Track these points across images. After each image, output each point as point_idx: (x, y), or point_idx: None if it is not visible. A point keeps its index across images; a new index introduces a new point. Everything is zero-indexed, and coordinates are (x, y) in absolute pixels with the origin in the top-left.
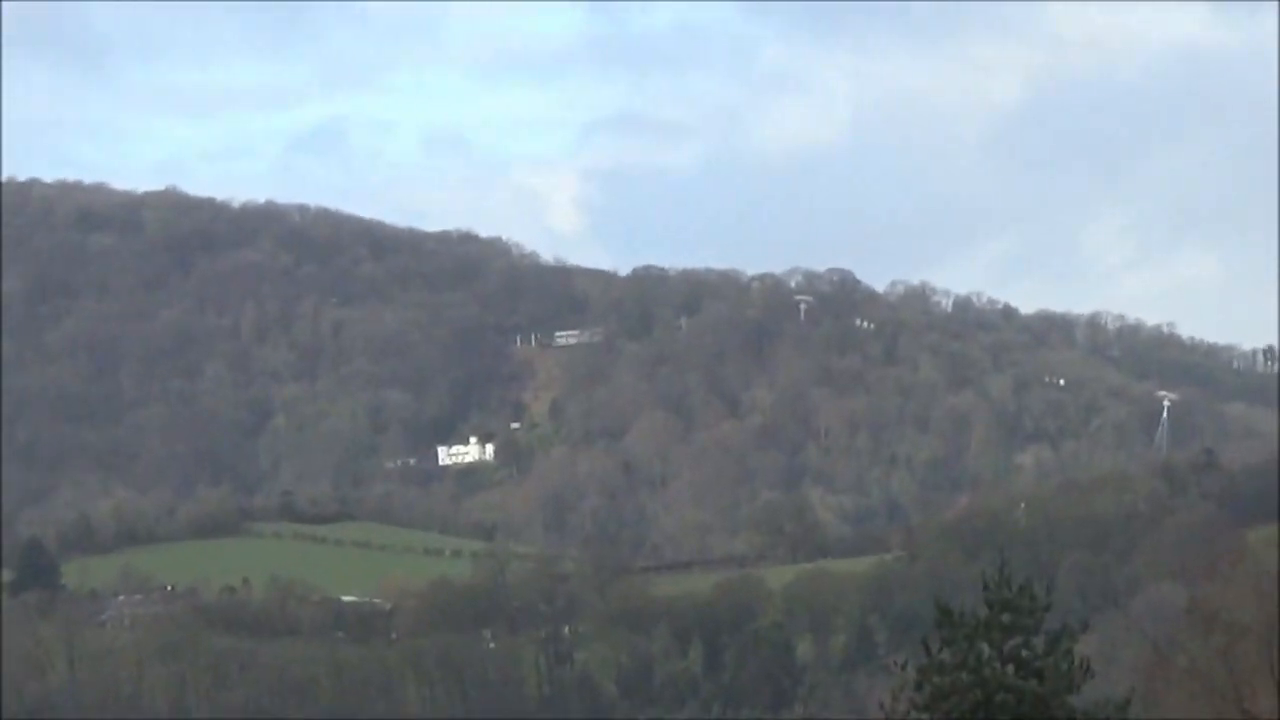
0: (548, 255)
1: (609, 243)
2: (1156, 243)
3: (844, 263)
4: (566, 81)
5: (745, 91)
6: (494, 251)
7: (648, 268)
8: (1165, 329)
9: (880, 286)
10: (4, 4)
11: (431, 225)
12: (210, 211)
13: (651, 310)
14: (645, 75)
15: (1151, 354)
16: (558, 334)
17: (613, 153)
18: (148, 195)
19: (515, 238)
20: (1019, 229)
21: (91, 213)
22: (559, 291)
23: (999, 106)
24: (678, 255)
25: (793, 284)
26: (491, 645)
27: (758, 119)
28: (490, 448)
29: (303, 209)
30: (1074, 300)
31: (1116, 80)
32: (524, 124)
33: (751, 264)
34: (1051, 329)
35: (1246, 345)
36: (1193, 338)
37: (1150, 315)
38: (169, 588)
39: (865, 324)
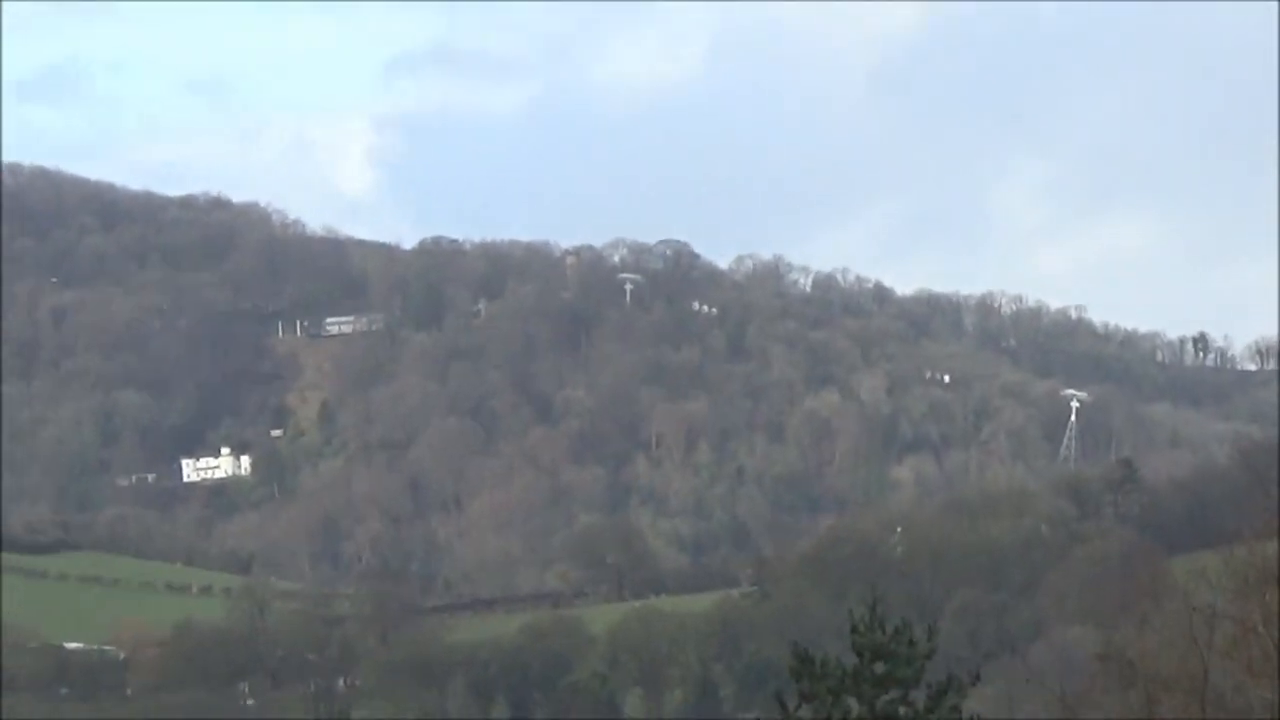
0: (316, 225)
1: (399, 209)
2: (1069, 210)
3: (680, 233)
4: (359, 7)
5: (579, 21)
6: (250, 221)
7: (438, 240)
8: (1074, 313)
9: (724, 262)
10: None
11: (174, 188)
12: None
13: (444, 292)
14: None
15: (1057, 344)
16: (328, 321)
17: (414, 96)
18: None
19: (279, 204)
20: (901, 192)
21: None
22: (330, 269)
23: (887, 38)
24: (479, 225)
25: (617, 259)
26: (249, 702)
27: (593, 54)
28: (246, 461)
29: (14, 169)
30: (963, 280)
31: (1032, 10)
32: (302, 61)
33: (567, 235)
34: (934, 315)
35: (1172, 333)
36: (1107, 324)
37: (1055, 297)
38: None
39: (705, 308)
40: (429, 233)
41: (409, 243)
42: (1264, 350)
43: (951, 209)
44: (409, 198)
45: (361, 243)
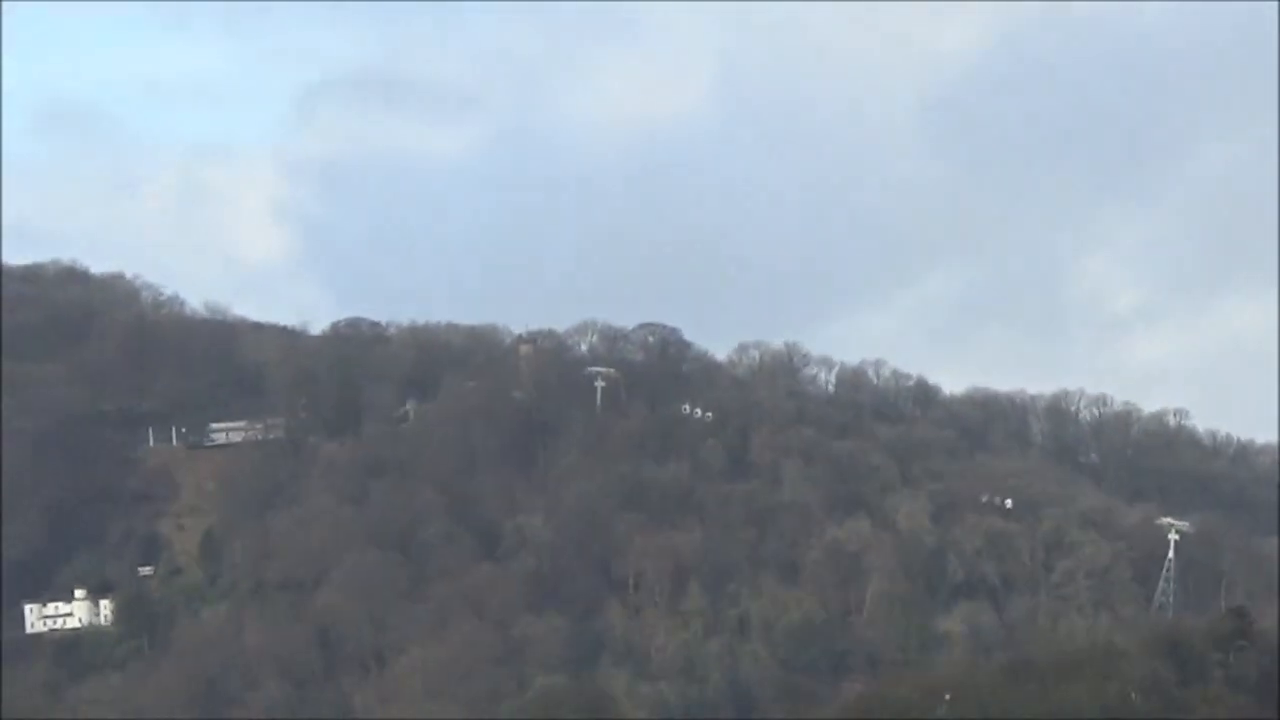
0: (198, 303)
1: (307, 283)
2: (1171, 288)
3: (666, 316)
4: (267, 18)
5: (550, 42)
6: (114, 297)
7: (357, 323)
8: (1173, 420)
9: (722, 353)
10: None
11: (15, 254)
12: None
13: (363, 390)
14: (398, 14)
15: (1151, 460)
16: (214, 428)
17: (334, 135)
18: None
19: (151, 276)
20: (952, 265)
21: None
22: (217, 360)
23: (939, 62)
24: (409, 304)
25: (585, 349)
26: None
27: (566, 84)
28: (106, 606)
29: None
30: (1030, 378)
31: (1130, 19)
32: (189, 89)
33: (522, 318)
34: (993, 421)
35: None
36: (1216, 434)
37: (1150, 400)
38: None
39: (699, 412)
40: (345, 313)
41: (319, 326)
42: None
43: (1018, 286)
44: (321, 268)
45: (258, 326)
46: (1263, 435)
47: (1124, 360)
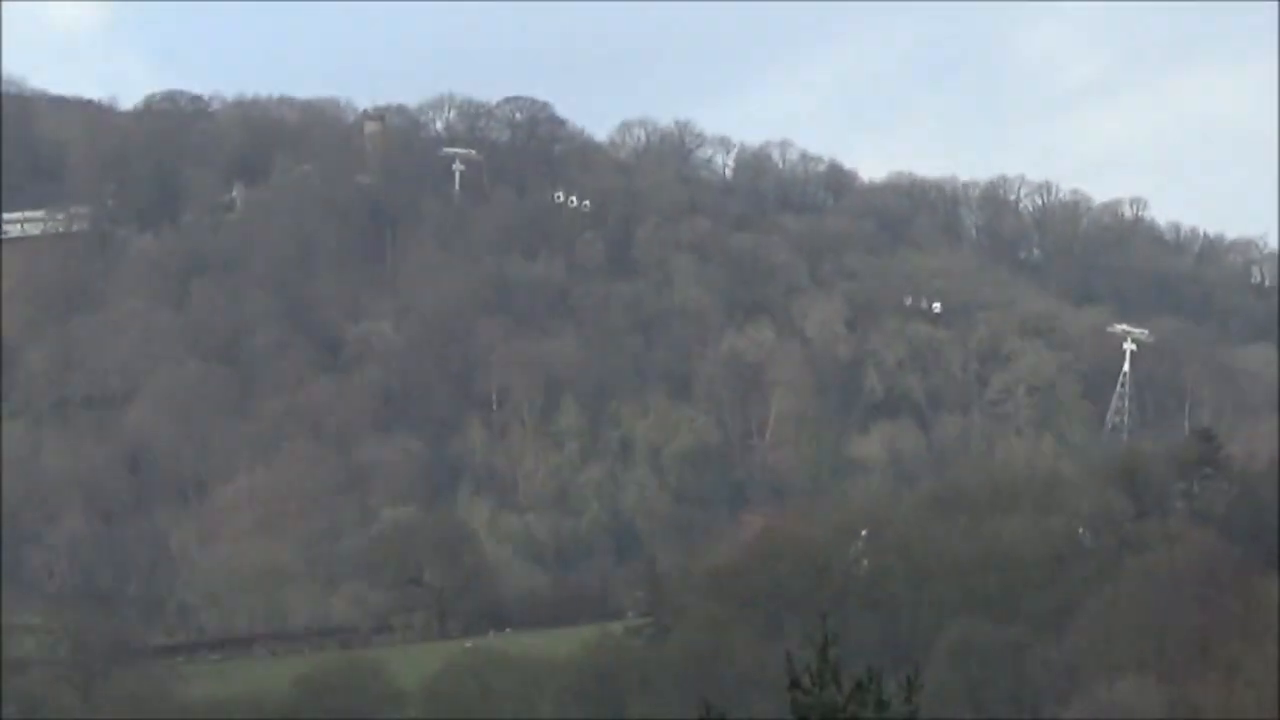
0: None
1: (116, 49)
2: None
3: (535, 88)
4: None
5: None
6: None
7: (174, 96)
8: (1129, 211)
9: (602, 132)
10: None
11: None
12: None
13: (181, 174)
14: None
15: (1103, 258)
16: (6, 218)
17: None
18: None
19: None
20: (873, 29)
21: None
22: (11, 140)
23: None
24: (236, 75)
25: (440, 126)
26: None
27: None
28: None
29: None
30: (963, 161)
31: None
32: None
33: (367, 91)
34: (919, 211)
35: (1276, 242)
36: (1179, 227)
37: (1102, 187)
38: None
39: (574, 200)
40: (161, 85)
41: (130, 100)
42: None
43: (950, 53)
44: (132, 32)
45: (59, 100)
46: (1232, 229)
47: (1074, 142)
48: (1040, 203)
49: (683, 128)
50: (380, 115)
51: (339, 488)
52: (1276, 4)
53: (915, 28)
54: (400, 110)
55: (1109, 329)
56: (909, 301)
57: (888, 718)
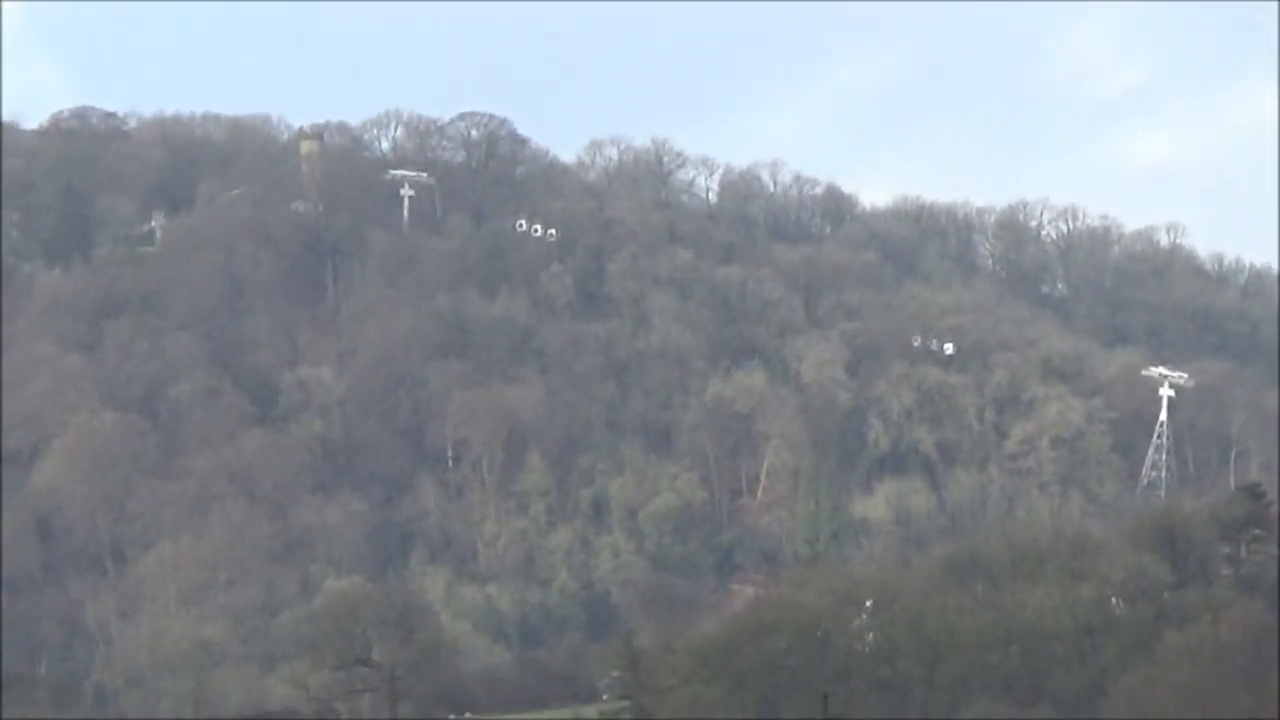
0: None
1: (26, 62)
2: (1169, 68)
3: (494, 103)
4: None
5: None
6: None
7: (85, 114)
8: (1165, 238)
9: (569, 152)
10: None
11: None
12: None
13: (95, 201)
14: None
15: (1137, 292)
16: None
17: None
18: None
19: None
20: (876, 35)
21: None
22: None
23: None
24: (157, 90)
25: (386, 145)
26: None
27: None
28: None
29: None
30: (978, 184)
31: None
32: None
33: (303, 107)
34: (928, 241)
35: None
36: (1221, 258)
37: (1135, 212)
38: None
39: (538, 229)
40: (74, 101)
41: (36, 119)
42: None
43: (963, 66)
44: (45, 42)
45: None
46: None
47: (1102, 163)
48: (1065, 230)
49: (660, 146)
50: (318, 133)
51: (275, 555)
52: None
53: (923, 38)
54: (341, 128)
55: (1143, 372)
56: (917, 342)
57: None
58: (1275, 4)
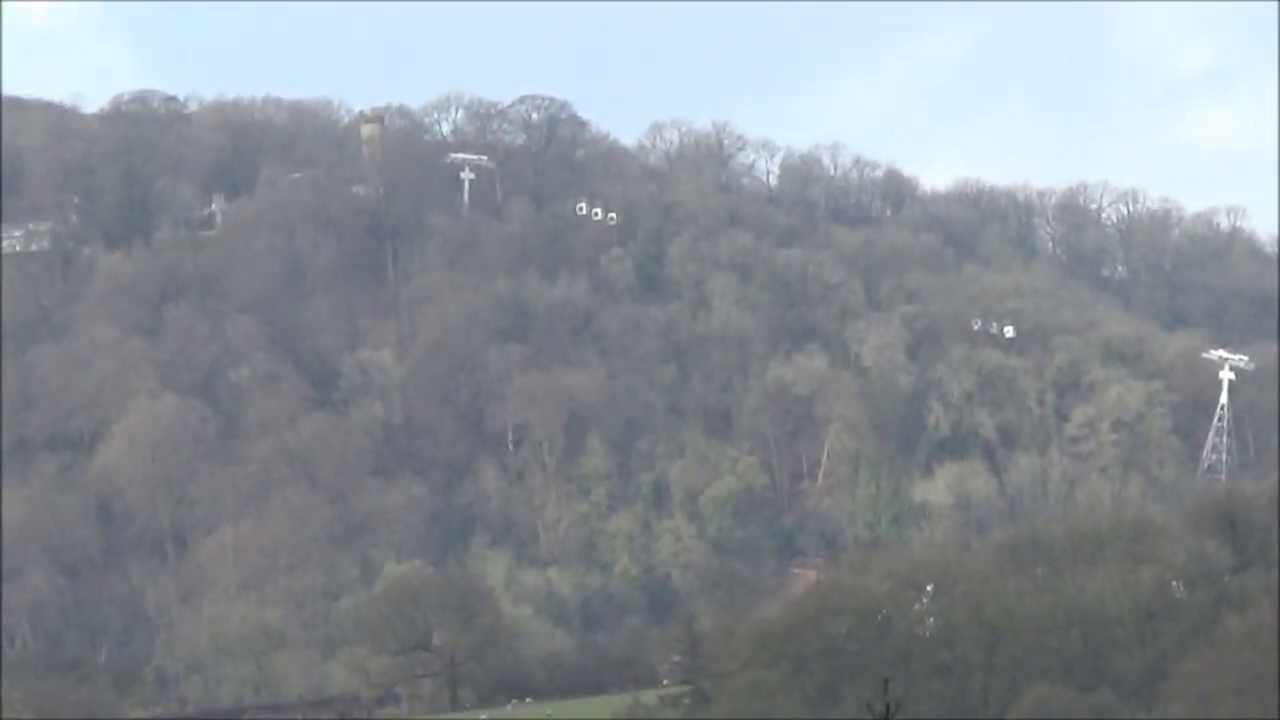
0: None
1: (84, 46)
2: (1243, 46)
3: (554, 86)
4: None
5: None
6: None
7: (146, 97)
8: (1225, 221)
9: (630, 135)
10: None
11: None
12: None
13: (155, 185)
14: None
15: (1198, 275)
16: None
17: None
18: None
19: None
20: (937, 17)
21: None
22: None
23: None
24: (216, 73)
25: (447, 128)
26: None
27: None
28: None
29: None
30: (1037, 166)
31: None
32: None
33: (364, 90)
34: (988, 224)
35: None
36: None
37: (1195, 194)
38: None
39: (599, 212)
40: (133, 85)
41: (97, 102)
42: None
43: (1023, 48)
44: (104, 25)
45: (18, 103)
46: None
47: (1162, 144)
48: (1125, 213)
49: (721, 129)
50: (379, 117)
51: (336, 540)
52: None
53: (987, 19)
54: (401, 111)
55: (1204, 355)
56: (977, 325)
57: None
58: None
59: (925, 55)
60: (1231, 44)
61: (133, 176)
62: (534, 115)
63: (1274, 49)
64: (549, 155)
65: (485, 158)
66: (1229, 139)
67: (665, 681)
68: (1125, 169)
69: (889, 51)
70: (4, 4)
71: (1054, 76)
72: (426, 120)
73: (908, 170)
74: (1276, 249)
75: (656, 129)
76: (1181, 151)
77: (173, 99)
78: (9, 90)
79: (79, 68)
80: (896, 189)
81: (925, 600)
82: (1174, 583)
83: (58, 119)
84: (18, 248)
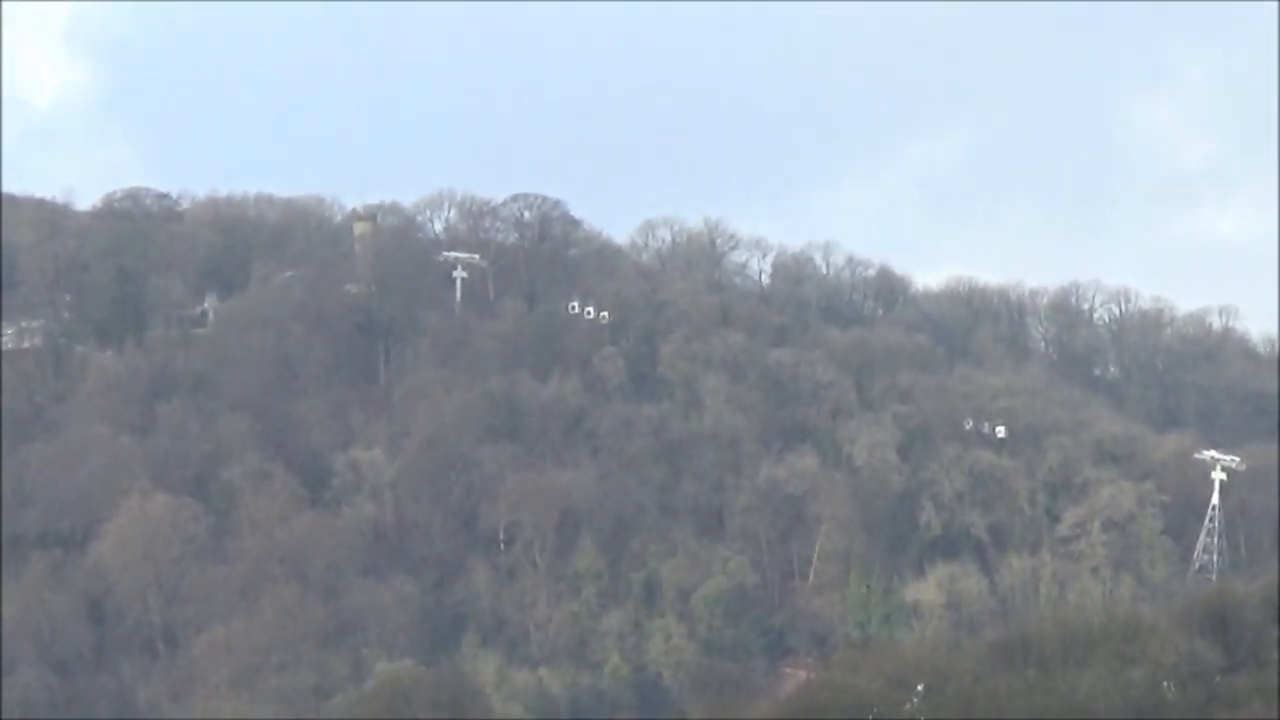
0: None
1: (75, 141)
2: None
3: (547, 185)
4: None
5: None
6: None
7: (138, 195)
8: (1217, 321)
9: (622, 234)
10: None
11: None
12: None
13: (147, 282)
14: None
15: (1188, 374)
16: None
17: None
18: None
19: None
20: (932, 119)
21: None
22: None
23: None
24: (207, 170)
25: (439, 227)
26: None
27: None
28: None
29: None
30: (1031, 265)
31: None
32: None
33: (356, 188)
34: (980, 323)
35: None
36: (1273, 339)
37: (1187, 293)
38: None
39: (590, 311)
40: (123, 182)
41: (88, 199)
42: None
43: (1026, 145)
44: (95, 121)
45: (9, 200)
46: None
47: (1154, 243)
48: (1118, 312)
49: (713, 228)
50: (371, 215)
51: (326, 638)
52: None
53: (980, 121)
54: (394, 209)
55: (1195, 455)
56: (969, 425)
57: None
58: None
59: (920, 154)
60: (1233, 140)
61: (125, 274)
62: (526, 214)
63: (1275, 144)
64: (541, 253)
65: (478, 256)
66: (1227, 236)
67: None
68: (1121, 267)
69: (883, 150)
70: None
71: (1051, 175)
72: (419, 218)
73: (900, 269)
74: (1271, 349)
75: (649, 227)
76: (1178, 249)
77: (165, 196)
78: (8, 187)
79: (80, 163)
80: (889, 288)
81: (916, 700)
82: (1165, 683)
83: (50, 215)
84: (10, 345)
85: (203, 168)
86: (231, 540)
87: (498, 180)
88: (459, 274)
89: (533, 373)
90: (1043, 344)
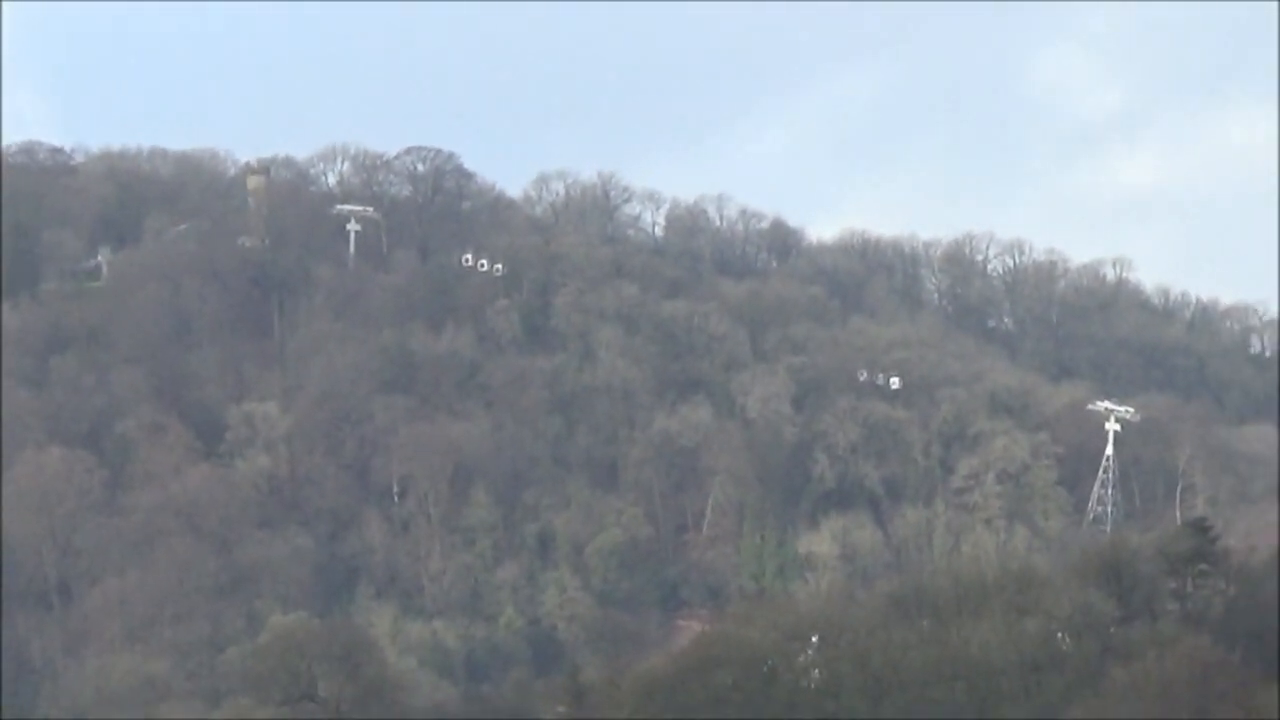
0: None
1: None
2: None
3: (441, 137)
4: None
5: None
6: None
7: (32, 148)
8: (1111, 272)
9: (515, 186)
10: None
11: None
12: None
13: (40, 236)
14: None
15: (1084, 326)
16: None
17: None
18: None
19: None
20: (827, 63)
21: None
22: None
23: None
24: (103, 123)
25: (332, 180)
26: None
27: None
28: None
29: None
30: (926, 217)
31: None
32: None
33: (249, 141)
34: (874, 275)
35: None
36: (1168, 292)
37: (1081, 245)
38: None
39: (484, 264)
40: (19, 136)
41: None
42: None
43: (925, 94)
44: (16, 74)
45: None
46: (1228, 294)
47: (1053, 195)
48: (1011, 264)
49: (607, 181)
50: (265, 168)
51: (221, 591)
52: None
53: (878, 71)
54: (287, 162)
55: (1089, 407)
56: (863, 377)
57: None
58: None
59: (816, 105)
60: (1141, 86)
61: (19, 227)
62: (420, 166)
63: (1183, 92)
64: (435, 207)
65: (371, 210)
66: (1134, 183)
67: None
68: (1024, 218)
69: (777, 102)
70: None
71: (958, 124)
72: (312, 171)
73: (793, 221)
74: (1164, 300)
75: (543, 180)
76: (1084, 198)
77: (59, 150)
78: None
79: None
80: (783, 240)
81: (810, 652)
82: (1059, 634)
83: None
84: None
85: (97, 121)
86: (126, 493)
87: (391, 133)
88: (352, 227)
89: (426, 325)
90: (937, 296)
